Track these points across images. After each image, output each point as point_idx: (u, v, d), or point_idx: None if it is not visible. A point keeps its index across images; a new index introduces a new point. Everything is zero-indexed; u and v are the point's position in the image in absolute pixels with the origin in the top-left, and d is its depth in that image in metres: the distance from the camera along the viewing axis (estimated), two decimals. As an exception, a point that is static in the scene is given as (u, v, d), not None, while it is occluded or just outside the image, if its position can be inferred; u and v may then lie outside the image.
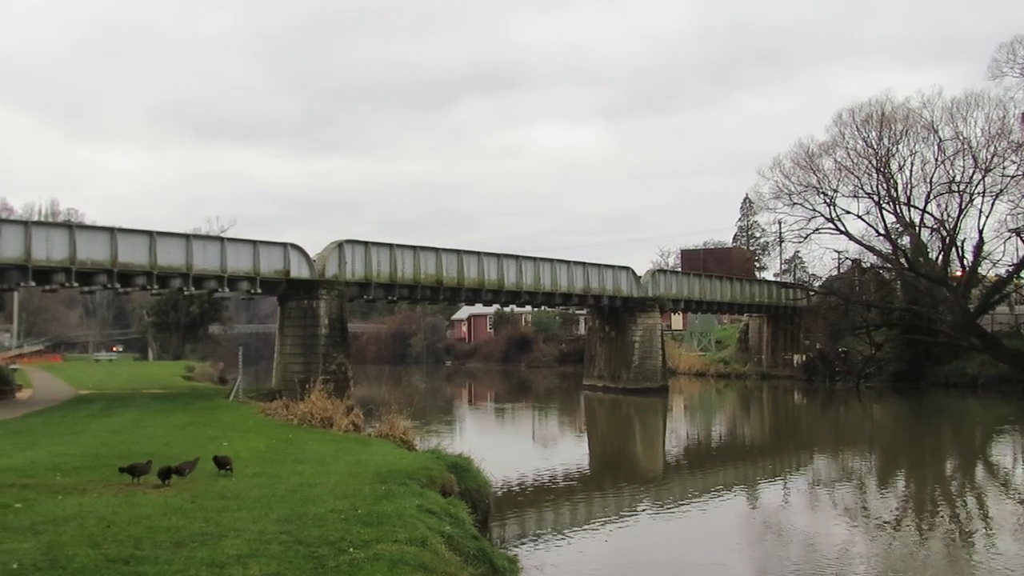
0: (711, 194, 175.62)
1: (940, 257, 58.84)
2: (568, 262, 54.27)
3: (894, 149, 57.88)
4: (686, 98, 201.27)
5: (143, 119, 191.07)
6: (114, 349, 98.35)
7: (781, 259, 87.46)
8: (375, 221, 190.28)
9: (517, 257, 51.44)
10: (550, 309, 73.94)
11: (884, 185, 58.29)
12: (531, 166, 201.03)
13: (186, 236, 38.70)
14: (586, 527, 19.65)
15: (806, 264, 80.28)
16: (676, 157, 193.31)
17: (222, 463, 14.67)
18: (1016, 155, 54.31)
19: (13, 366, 47.45)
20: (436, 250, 46.84)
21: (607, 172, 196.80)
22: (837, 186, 59.49)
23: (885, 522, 20.00)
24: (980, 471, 28.75)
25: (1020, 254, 56.84)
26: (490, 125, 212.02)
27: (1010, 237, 55.35)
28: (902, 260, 60.08)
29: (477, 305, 62.87)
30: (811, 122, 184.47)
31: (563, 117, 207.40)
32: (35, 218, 72.13)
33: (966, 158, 55.62)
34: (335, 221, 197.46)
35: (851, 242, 61.87)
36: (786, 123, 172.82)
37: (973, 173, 55.14)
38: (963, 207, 56.16)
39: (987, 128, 54.79)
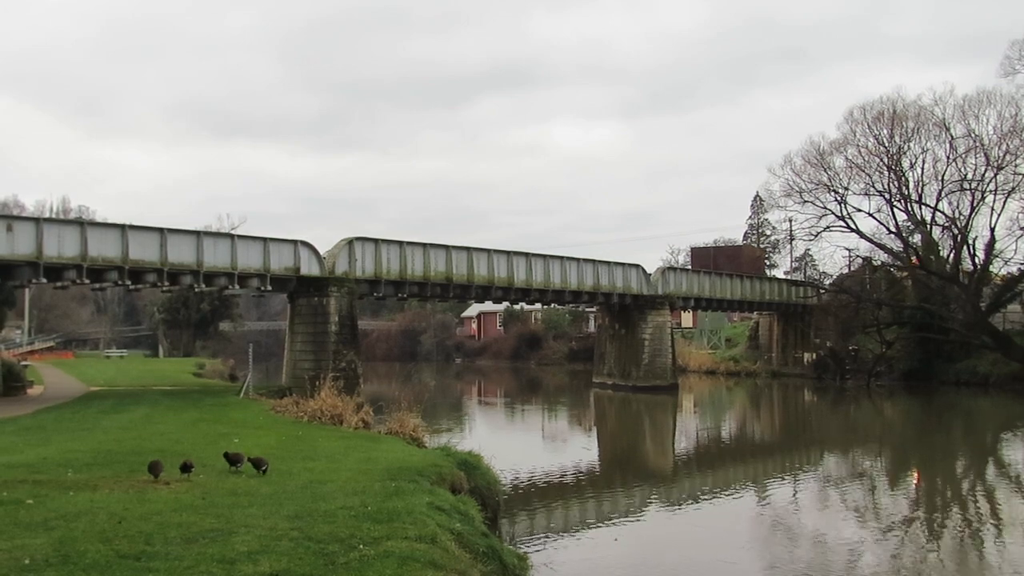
0: (725, 192, 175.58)
1: (951, 255, 58.54)
2: (578, 260, 54.22)
3: (905, 147, 57.63)
4: (703, 96, 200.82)
5: (161, 117, 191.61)
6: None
7: (792, 257, 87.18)
8: (389, 219, 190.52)
9: (527, 254, 51.42)
10: (560, 307, 73.89)
11: (895, 183, 58.03)
12: (547, 164, 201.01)
13: (197, 233, 38.76)
14: (596, 525, 19.64)
15: (817, 262, 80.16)
16: (692, 155, 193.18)
17: (257, 463, 14.53)
18: (1028, 152, 53.96)
19: (24, 363, 47.69)
20: (446, 247, 46.85)
21: (623, 170, 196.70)
22: (848, 184, 59.34)
23: (895, 521, 19.92)
24: (991, 470, 28.60)
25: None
26: (507, 123, 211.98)
27: (1022, 235, 55.07)
28: (913, 258, 59.82)
29: (487, 303, 62.98)
30: (829, 120, 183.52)
31: (580, 115, 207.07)
32: (46, 215, 72.42)
33: (978, 156, 55.37)
34: (349, 219, 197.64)
35: (862, 240, 61.77)
36: (803, 121, 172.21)
37: (985, 171, 54.85)
38: (975, 205, 55.90)
39: (999, 126, 54.56)
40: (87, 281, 35.70)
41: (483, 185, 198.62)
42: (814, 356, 67.27)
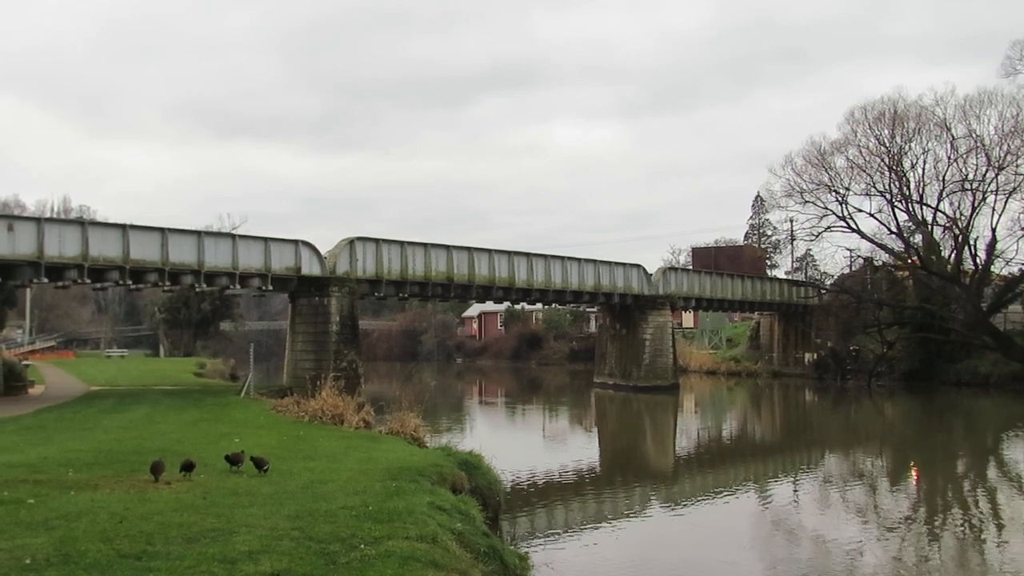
0: (726, 192, 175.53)
1: (952, 255, 58.49)
2: (579, 260, 54.19)
3: (906, 147, 57.54)
4: (705, 96, 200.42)
5: (161, 117, 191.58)
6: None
7: (793, 257, 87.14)
8: (390, 219, 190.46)
9: (528, 254, 51.40)
10: (561, 307, 73.84)
11: (896, 183, 57.97)
12: (548, 164, 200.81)
13: (198, 233, 38.77)
14: (596, 525, 19.64)
15: (818, 262, 79.99)
16: (692, 155, 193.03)
17: (258, 463, 14.54)
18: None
19: (26, 362, 47.71)
20: (447, 247, 46.84)
21: (623, 170, 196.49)
22: (849, 184, 59.27)
23: (896, 521, 19.91)
24: (992, 470, 28.59)
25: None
26: (507, 123, 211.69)
27: (1023, 235, 55.06)
28: (914, 258, 59.78)
29: (488, 303, 62.96)
30: (829, 120, 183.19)
31: (581, 115, 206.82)
32: (47, 215, 72.44)
33: (979, 156, 55.30)
34: (349, 219, 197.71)
35: (863, 240, 61.70)
36: (804, 121, 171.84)
37: (986, 171, 54.80)
38: (976, 205, 55.85)
39: (1000, 126, 54.53)
40: (88, 281, 35.71)
41: (483, 185, 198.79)
42: (815, 356, 67.25)
